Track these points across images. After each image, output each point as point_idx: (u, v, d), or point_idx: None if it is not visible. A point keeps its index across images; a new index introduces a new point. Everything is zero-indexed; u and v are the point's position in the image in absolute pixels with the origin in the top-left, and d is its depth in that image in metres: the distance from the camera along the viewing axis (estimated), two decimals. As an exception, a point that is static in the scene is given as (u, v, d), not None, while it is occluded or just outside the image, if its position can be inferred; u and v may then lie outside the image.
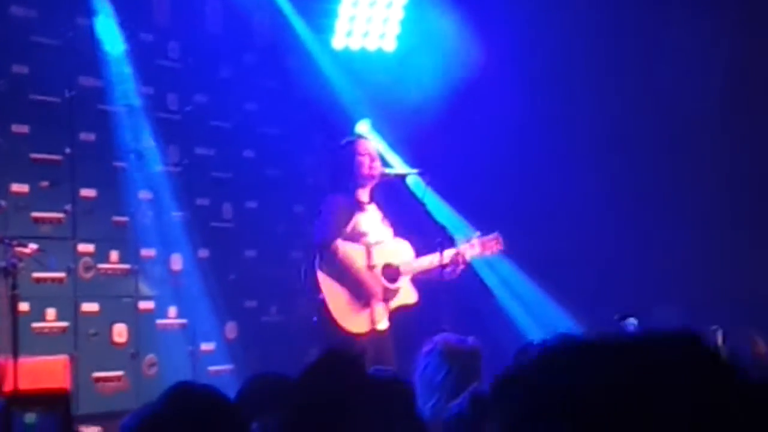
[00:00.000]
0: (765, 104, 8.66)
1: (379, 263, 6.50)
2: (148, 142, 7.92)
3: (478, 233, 6.74)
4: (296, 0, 8.87)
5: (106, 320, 7.53)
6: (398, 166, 7.95)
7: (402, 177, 6.80)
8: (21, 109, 7.20)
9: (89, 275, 7.48)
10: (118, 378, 7.52)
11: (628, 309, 5.70)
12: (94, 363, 7.39)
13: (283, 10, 8.81)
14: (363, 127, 8.08)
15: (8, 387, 5.69)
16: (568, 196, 8.73)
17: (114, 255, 7.66)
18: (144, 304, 7.80)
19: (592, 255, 8.62)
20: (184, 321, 8.03)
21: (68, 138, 7.48)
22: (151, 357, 7.74)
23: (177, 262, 8.07)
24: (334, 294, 6.37)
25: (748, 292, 8.12)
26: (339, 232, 6.39)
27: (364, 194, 6.58)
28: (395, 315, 6.58)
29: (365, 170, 6.50)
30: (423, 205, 6.51)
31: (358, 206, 6.54)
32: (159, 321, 7.87)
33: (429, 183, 6.61)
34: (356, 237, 6.48)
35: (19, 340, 6.05)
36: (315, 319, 6.42)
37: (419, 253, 6.64)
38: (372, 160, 6.54)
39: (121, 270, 7.70)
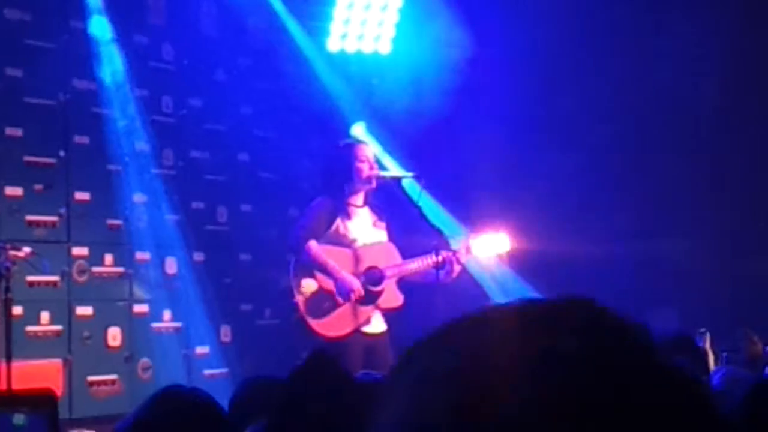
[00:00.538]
0: (763, 106, 8.66)
1: (363, 266, 6.46)
2: (143, 144, 7.91)
3: (473, 235, 6.72)
4: (291, 2, 8.86)
5: (101, 324, 7.52)
6: (393, 169, 7.94)
7: (397, 180, 6.78)
8: (15, 112, 7.18)
9: (83, 279, 7.46)
10: (113, 382, 7.50)
11: (624, 312, 5.68)
12: (89, 367, 7.37)
13: (278, 12, 8.80)
14: (358, 130, 8.08)
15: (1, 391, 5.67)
16: (564, 199, 8.73)
17: (108, 258, 7.65)
18: (138, 308, 7.79)
19: (588, 257, 8.61)
20: (178, 324, 8.02)
21: (62, 141, 7.46)
22: (145, 360, 7.72)
23: (171, 265, 8.06)
24: (307, 296, 6.34)
25: (745, 294, 8.12)
26: (315, 234, 6.35)
27: (358, 198, 6.55)
28: (389, 319, 6.55)
29: (363, 175, 6.47)
30: (418, 208, 6.48)
31: (349, 209, 6.50)
32: (153, 324, 7.85)
33: (424, 186, 6.60)
34: (341, 240, 6.43)
35: (12, 344, 6.03)
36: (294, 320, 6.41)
37: (415, 256, 6.61)
38: (371, 166, 6.51)
39: (116, 273, 7.68)
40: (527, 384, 0.84)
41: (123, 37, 7.80)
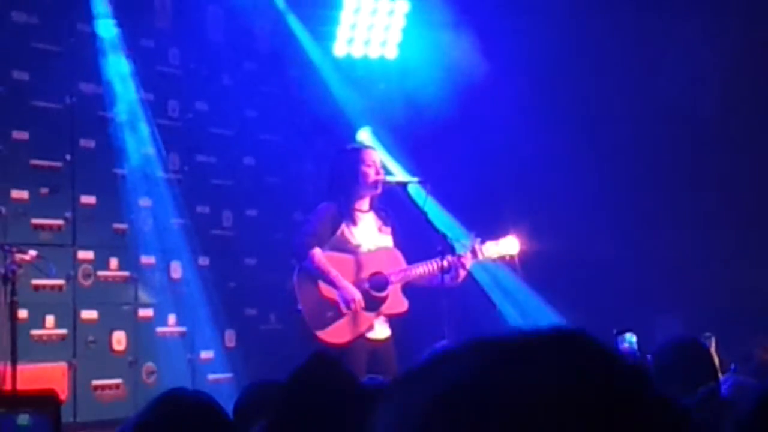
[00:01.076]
0: (765, 111, 8.65)
1: (368, 272, 6.44)
2: (149, 148, 7.91)
3: (478, 240, 6.70)
4: (297, 7, 8.87)
5: (106, 328, 7.51)
6: (399, 174, 7.93)
7: (403, 185, 6.77)
8: (21, 115, 7.19)
9: (89, 282, 7.46)
10: (117, 386, 7.49)
11: (630, 317, 5.68)
12: (93, 371, 7.36)
13: (285, 17, 8.81)
14: (364, 134, 8.07)
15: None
16: (570, 205, 8.71)
17: (114, 262, 7.64)
18: (143, 312, 7.78)
19: (594, 262, 8.60)
20: (183, 329, 8.01)
21: (68, 144, 7.47)
22: (150, 365, 7.71)
23: (177, 269, 8.05)
24: (311, 303, 6.33)
25: (753, 299, 8.09)
26: (319, 241, 6.33)
27: (363, 203, 6.53)
28: (393, 323, 6.54)
29: (369, 180, 6.45)
30: (424, 213, 6.47)
31: (355, 215, 6.48)
32: (158, 329, 7.84)
33: (430, 191, 6.58)
34: (346, 245, 6.42)
35: (17, 347, 6.03)
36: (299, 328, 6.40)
37: (421, 261, 6.59)
38: (377, 171, 6.49)
39: (121, 277, 7.68)
40: (504, 421, 0.84)
41: (129, 41, 7.80)
